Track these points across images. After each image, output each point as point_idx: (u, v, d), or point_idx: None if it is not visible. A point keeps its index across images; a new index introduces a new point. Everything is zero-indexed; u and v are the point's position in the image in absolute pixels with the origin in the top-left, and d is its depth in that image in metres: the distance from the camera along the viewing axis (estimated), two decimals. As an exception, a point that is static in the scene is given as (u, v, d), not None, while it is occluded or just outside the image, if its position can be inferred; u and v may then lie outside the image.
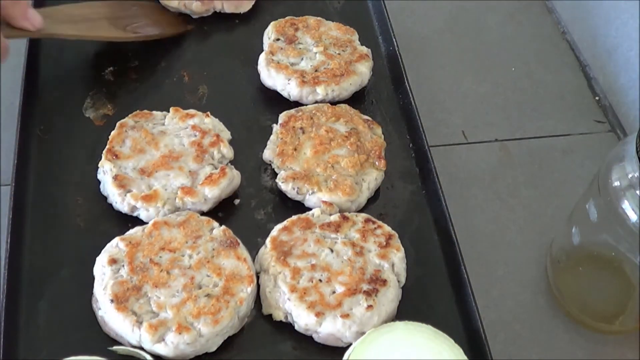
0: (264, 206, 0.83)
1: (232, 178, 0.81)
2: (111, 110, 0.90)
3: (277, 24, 0.96)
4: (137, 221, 0.78)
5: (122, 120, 0.85)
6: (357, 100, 0.92)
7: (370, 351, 0.64)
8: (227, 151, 0.83)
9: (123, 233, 0.76)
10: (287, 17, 0.97)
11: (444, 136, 0.95)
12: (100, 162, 0.81)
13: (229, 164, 0.83)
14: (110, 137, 0.83)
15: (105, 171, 0.80)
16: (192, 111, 0.86)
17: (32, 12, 0.83)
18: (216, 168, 0.81)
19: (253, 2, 1.02)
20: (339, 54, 0.93)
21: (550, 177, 0.92)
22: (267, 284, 0.73)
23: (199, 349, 0.69)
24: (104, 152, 0.81)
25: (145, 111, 0.86)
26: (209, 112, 0.86)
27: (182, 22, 1.00)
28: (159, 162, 0.81)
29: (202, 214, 0.78)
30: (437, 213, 0.82)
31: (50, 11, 0.90)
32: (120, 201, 0.78)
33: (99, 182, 0.81)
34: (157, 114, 0.86)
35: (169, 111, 0.86)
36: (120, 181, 0.78)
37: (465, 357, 0.64)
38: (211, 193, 0.79)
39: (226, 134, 0.85)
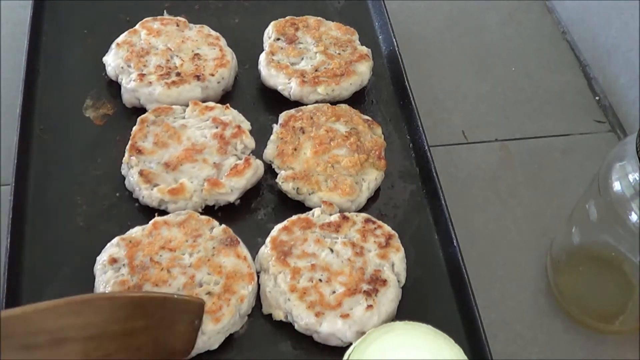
0: (264, 206, 0.83)
1: (257, 168, 0.81)
2: (111, 110, 0.90)
3: (278, 24, 0.96)
4: (137, 221, 0.78)
5: (143, 116, 0.85)
6: (357, 100, 0.92)
7: (370, 351, 0.64)
8: (250, 142, 0.84)
9: (123, 233, 0.76)
10: (287, 17, 0.97)
11: (444, 136, 0.95)
12: (124, 158, 0.81)
13: (251, 154, 0.83)
14: (132, 133, 0.83)
15: (131, 166, 0.80)
16: (210, 104, 0.87)
17: None
18: (240, 159, 0.81)
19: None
20: (339, 53, 0.93)
21: (550, 177, 0.92)
22: (267, 283, 0.73)
23: (200, 347, 0.69)
24: (127, 148, 0.82)
25: (165, 106, 0.86)
26: (228, 104, 0.86)
27: (191, 341, 0.68)
28: (183, 156, 0.81)
29: (201, 214, 0.78)
30: (437, 213, 0.82)
31: None
32: (147, 195, 0.78)
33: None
34: (177, 108, 0.86)
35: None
36: (146, 176, 0.79)
37: (465, 357, 0.64)
38: (237, 184, 0.79)
39: (246, 125, 0.86)
